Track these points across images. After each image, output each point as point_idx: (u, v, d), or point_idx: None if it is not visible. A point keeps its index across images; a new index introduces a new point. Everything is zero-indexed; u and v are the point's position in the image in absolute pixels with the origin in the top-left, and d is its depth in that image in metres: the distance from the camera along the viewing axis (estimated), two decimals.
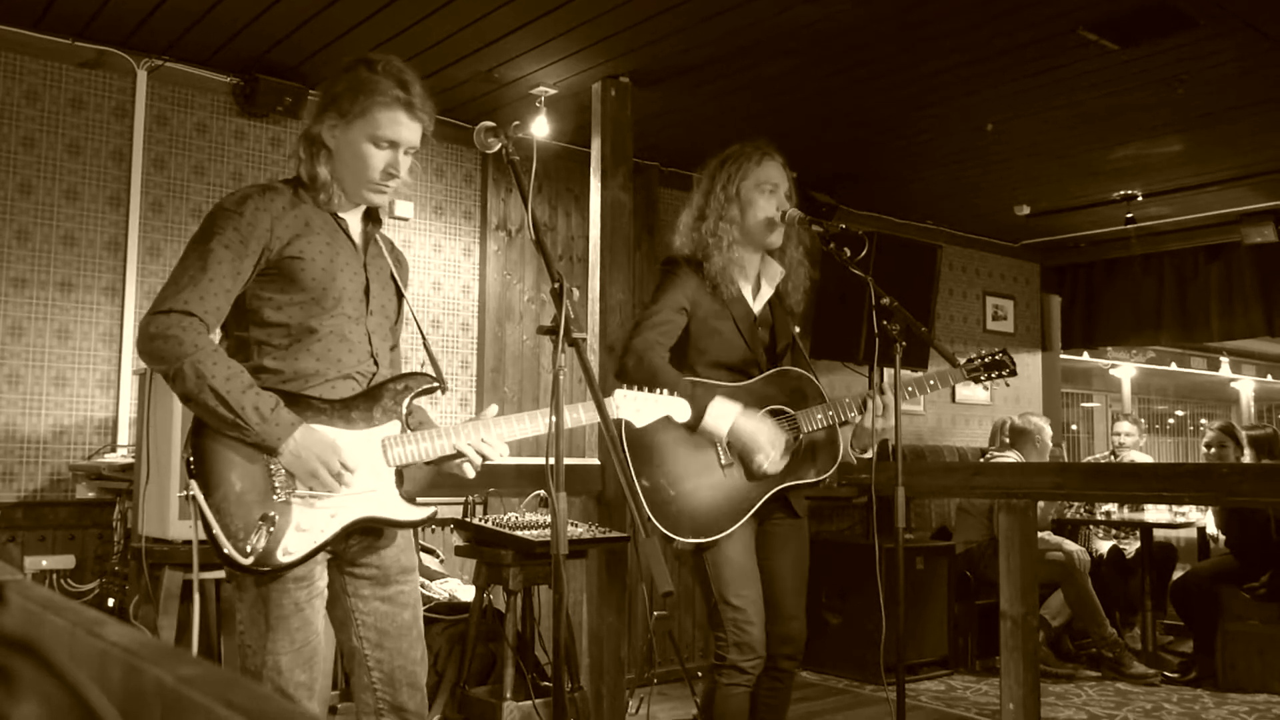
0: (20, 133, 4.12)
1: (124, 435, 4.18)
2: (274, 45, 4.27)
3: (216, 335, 2.13)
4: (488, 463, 2.23)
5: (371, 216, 2.32)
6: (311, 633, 2.11)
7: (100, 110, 4.29)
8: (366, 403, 2.17)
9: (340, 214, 2.24)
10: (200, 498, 2.01)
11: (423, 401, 2.35)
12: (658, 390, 2.40)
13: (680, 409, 2.44)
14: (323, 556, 2.12)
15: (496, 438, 2.21)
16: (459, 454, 2.20)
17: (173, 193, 4.43)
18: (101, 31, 4.17)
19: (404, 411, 2.20)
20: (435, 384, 2.26)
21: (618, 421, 2.39)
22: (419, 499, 2.23)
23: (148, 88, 4.38)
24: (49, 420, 4.09)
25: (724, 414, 2.76)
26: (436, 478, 2.32)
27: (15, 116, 4.12)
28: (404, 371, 2.30)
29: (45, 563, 3.93)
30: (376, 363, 2.24)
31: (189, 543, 3.37)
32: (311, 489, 2.06)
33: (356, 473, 2.09)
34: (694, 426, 2.75)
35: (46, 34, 4.15)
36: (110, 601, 3.82)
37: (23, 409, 4.05)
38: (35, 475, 4.05)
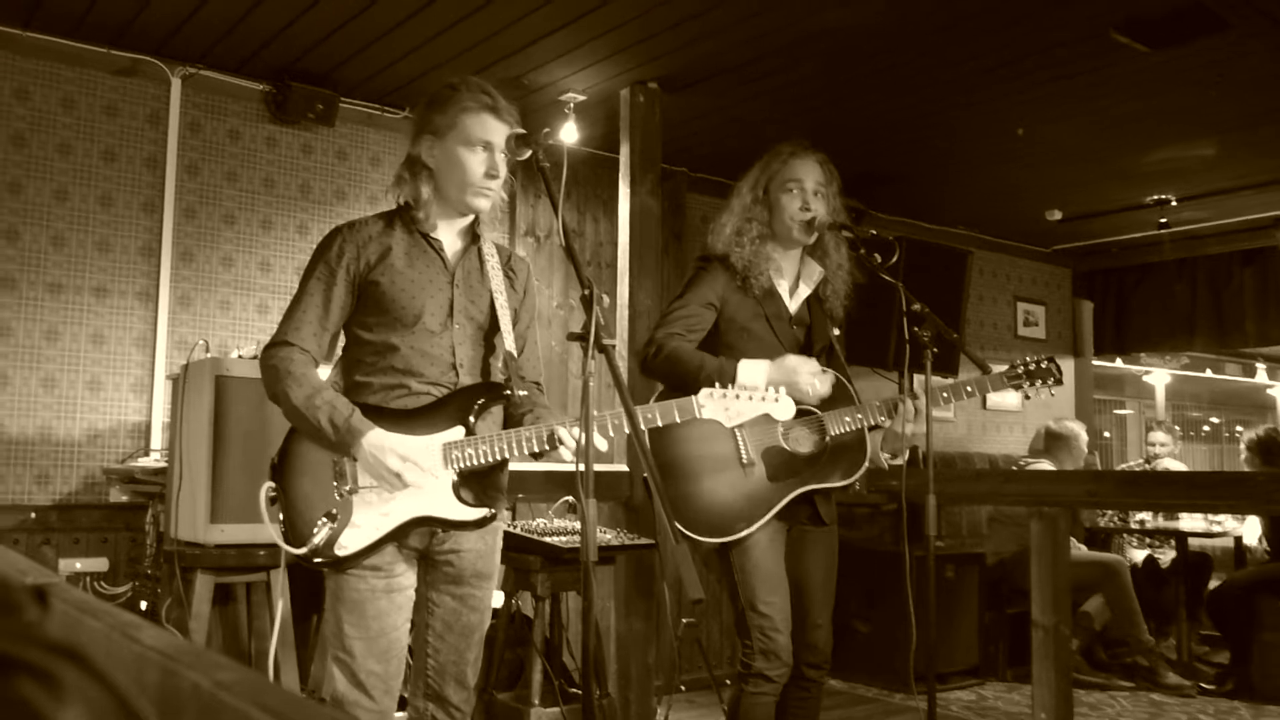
0: (56, 140, 4.18)
1: (157, 439, 4.23)
2: (305, 53, 4.31)
3: (325, 369, 2.36)
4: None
5: (472, 233, 2.45)
6: (389, 624, 2.26)
7: (135, 117, 4.35)
8: (435, 411, 2.31)
9: (434, 235, 2.39)
10: (262, 495, 2.24)
11: None
12: (758, 389, 2.34)
13: (783, 408, 2.37)
14: (400, 554, 2.29)
15: (572, 438, 2.27)
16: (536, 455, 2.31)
17: (205, 199, 4.48)
18: (136, 40, 4.23)
19: (470, 419, 2.31)
20: (506, 391, 2.38)
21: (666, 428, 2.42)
22: (483, 502, 2.33)
23: (181, 95, 4.44)
24: (83, 424, 4.14)
25: (754, 372, 2.74)
26: (494, 486, 2.39)
27: (52, 124, 4.18)
28: (478, 382, 2.40)
29: (79, 565, 3.98)
30: (458, 373, 2.36)
31: (220, 546, 3.40)
32: (381, 485, 2.24)
33: (414, 472, 2.23)
34: None
35: (82, 42, 4.21)
36: (142, 604, 3.86)
37: (57, 413, 4.10)
38: (70, 478, 4.10)
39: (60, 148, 4.19)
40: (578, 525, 3.63)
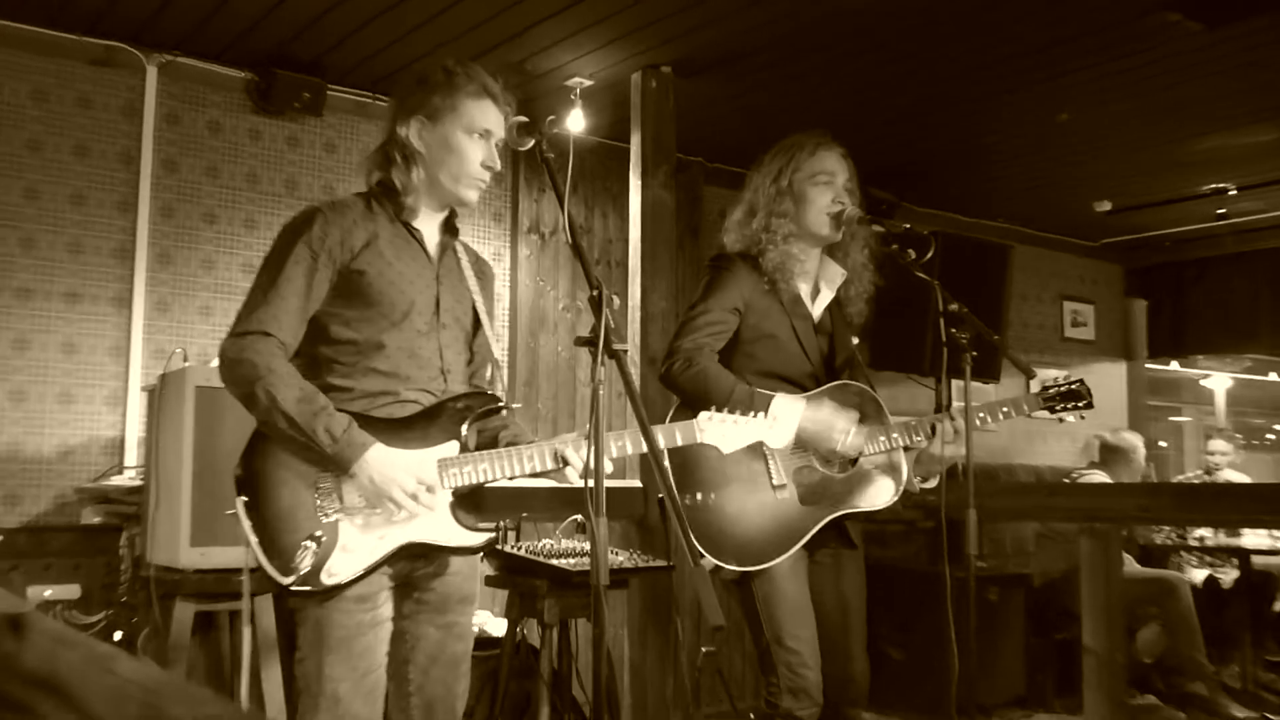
0: (25, 135, 4.20)
1: (131, 456, 4.24)
2: (292, 37, 4.32)
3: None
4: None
5: (449, 226, 2.43)
6: (374, 662, 2.20)
7: (109, 110, 4.37)
8: (425, 422, 2.26)
9: (415, 224, 2.35)
10: (243, 514, 2.12)
11: None
12: (749, 413, 2.39)
13: (778, 434, 2.43)
14: (385, 582, 2.22)
15: (579, 458, 2.24)
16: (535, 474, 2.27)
17: (184, 196, 4.50)
18: (111, 26, 4.25)
19: (464, 433, 2.27)
20: (498, 404, 2.35)
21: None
22: (481, 524, 2.29)
23: (158, 85, 4.45)
24: (54, 440, 4.16)
25: (789, 412, 2.72)
26: (481, 507, 2.36)
27: (20, 117, 4.20)
28: (467, 390, 2.37)
29: (49, 593, 3.99)
30: (446, 379, 2.33)
31: (200, 571, 3.41)
32: (389, 508, 2.15)
33: (426, 494, 2.16)
34: None
35: (54, 30, 4.23)
36: (117, 634, 3.87)
37: (27, 428, 4.12)
38: (39, 499, 4.12)
39: (29, 143, 4.21)
40: (587, 546, 3.63)
